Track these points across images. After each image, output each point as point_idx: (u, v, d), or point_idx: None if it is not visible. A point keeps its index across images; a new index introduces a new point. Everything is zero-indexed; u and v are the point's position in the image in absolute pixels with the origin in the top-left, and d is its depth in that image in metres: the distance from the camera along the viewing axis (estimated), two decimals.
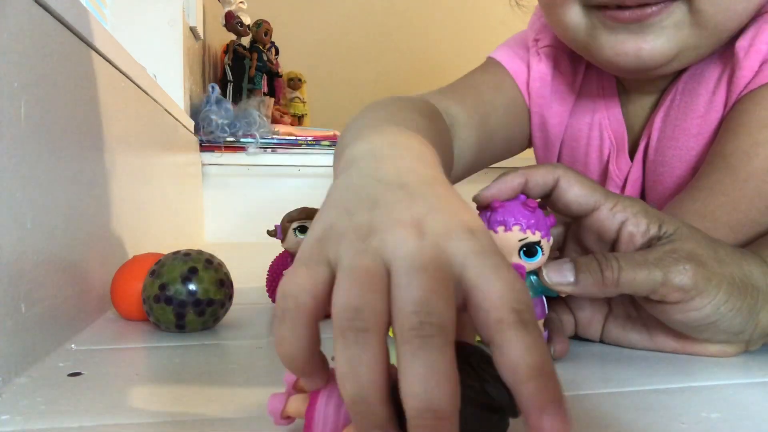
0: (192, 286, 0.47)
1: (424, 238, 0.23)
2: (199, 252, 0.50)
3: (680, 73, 0.55)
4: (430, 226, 0.24)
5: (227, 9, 1.72)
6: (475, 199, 0.38)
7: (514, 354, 0.20)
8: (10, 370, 0.36)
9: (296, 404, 0.25)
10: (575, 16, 0.50)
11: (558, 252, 0.43)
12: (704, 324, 0.37)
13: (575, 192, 0.38)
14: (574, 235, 0.41)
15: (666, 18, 0.47)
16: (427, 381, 0.20)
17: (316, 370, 0.24)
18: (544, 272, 0.37)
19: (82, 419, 0.30)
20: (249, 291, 0.66)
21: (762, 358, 0.40)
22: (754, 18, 0.50)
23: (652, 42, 0.48)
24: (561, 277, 0.36)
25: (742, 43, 0.50)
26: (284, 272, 0.26)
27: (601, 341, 0.44)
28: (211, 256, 0.50)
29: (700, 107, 0.53)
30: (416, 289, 0.21)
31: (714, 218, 0.45)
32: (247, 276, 0.68)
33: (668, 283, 0.35)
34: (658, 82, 0.57)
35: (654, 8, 0.46)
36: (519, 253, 0.37)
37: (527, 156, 0.72)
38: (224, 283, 0.49)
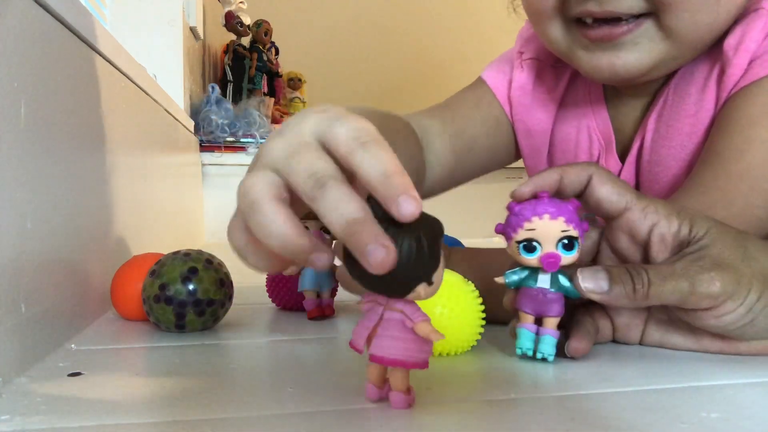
0: (192, 286, 0.47)
1: (282, 137, 0.29)
2: (199, 252, 0.50)
3: (671, 74, 0.56)
4: (286, 130, 0.29)
5: (227, 9, 1.72)
6: (512, 195, 0.39)
7: (365, 170, 0.26)
8: (10, 370, 0.36)
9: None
10: (556, 30, 0.53)
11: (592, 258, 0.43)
12: (741, 325, 0.37)
13: (607, 190, 0.39)
14: (608, 239, 0.41)
15: (639, 36, 0.49)
16: (336, 208, 0.25)
17: (311, 238, 0.27)
18: (579, 278, 0.37)
19: (82, 419, 0.30)
20: (249, 291, 0.66)
21: (762, 357, 0.40)
22: (743, 16, 0.51)
23: (625, 57, 0.50)
24: (596, 285, 0.37)
25: (730, 42, 0.50)
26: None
27: (641, 344, 0.43)
28: (211, 256, 0.50)
29: (691, 106, 0.54)
30: (299, 165, 0.27)
31: (711, 214, 0.45)
32: (247, 276, 0.68)
33: (696, 293, 0.36)
34: (649, 85, 0.58)
35: (624, 27, 0.49)
36: (557, 244, 0.37)
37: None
38: (224, 283, 0.49)
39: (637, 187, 0.60)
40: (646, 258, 0.39)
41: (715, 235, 0.37)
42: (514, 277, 0.40)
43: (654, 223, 0.38)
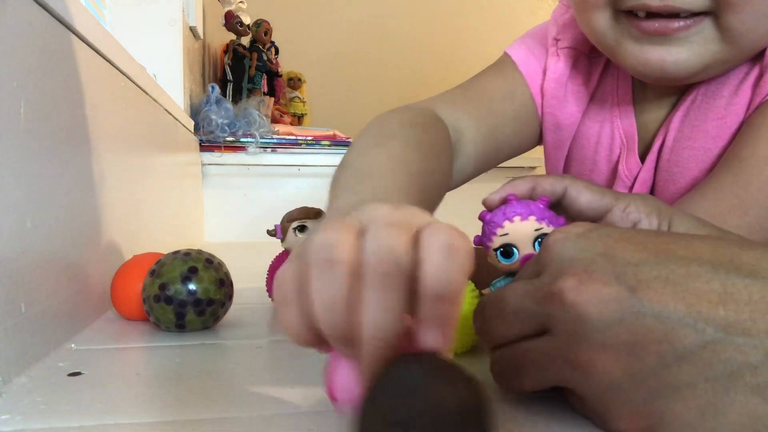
0: (192, 286, 0.47)
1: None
2: (199, 252, 0.50)
3: None
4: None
5: (227, 9, 1.72)
6: (484, 202, 0.39)
7: (426, 273, 0.23)
8: (10, 370, 0.36)
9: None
10: (605, 21, 0.51)
11: None
12: None
13: (586, 198, 0.39)
14: None
15: (694, 33, 0.47)
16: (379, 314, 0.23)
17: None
18: None
19: (82, 419, 0.30)
20: (249, 291, 0.66)
21: None
22: None
23: (677, 54, 0.48)
24: None
25: None
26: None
27: None
28: (211, 255, 0.50)
29: (720, 109, 0.53)
30: (376, 239, 0.24)
31: (722, 221, 0.45)
32: (247, 276, 0.68)
33: None
34: (680, 85, 0.56)
35: (681, 23, 0.46)
36: (534, 244, 0.37)
37: (536, 155, 0.72)
38: (224, 283, 0.49)
39: (654, 186, 0.58)
40: None
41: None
42: (501, 285, 0.39)
43: (635, 221, 0.38)
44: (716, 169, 0.50)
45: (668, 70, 0.49)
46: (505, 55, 0.65)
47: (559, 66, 0.62)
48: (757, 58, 0.50)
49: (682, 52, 0.48)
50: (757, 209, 0.45)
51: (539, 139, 0.67)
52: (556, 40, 0.63)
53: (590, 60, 0.62)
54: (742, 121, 0.51)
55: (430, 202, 0.48)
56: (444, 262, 0.23)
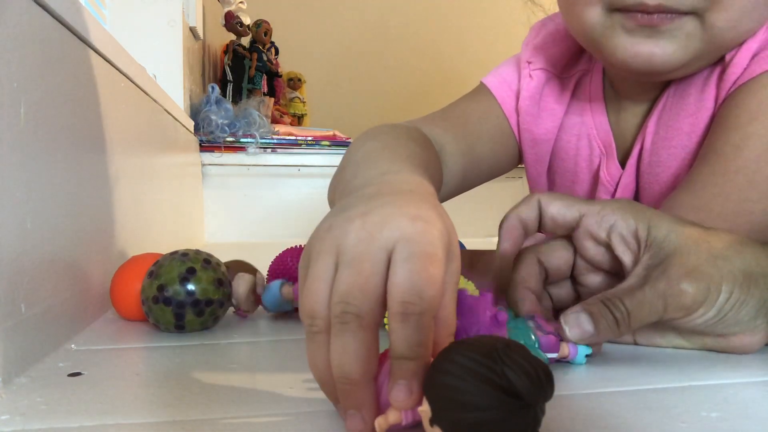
0: (190, 286, 0.47)
1: (362, 229, 0.28)
2: (197, 252, 0.50)
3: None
4: (371, 218, 0.28)
5: (227, 9, 1.72)
6: (500, 255, 0.41)
7: (393, 340, 0.26)
8: (10, 370, 0.36)
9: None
10: (595, 15, 0.51)
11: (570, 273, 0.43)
12: (711, 324, 0.37)
13: (556, 206, 0.41)
14: (578, 251, 0.42)
15: (677, 27, 0.48)
16: (341, 357, 0.26)
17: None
18: (566, 329, 0.36)
19: (82, 419, 0.30)
20: None
21: (762, 357, 0.40)
22: None
23: (664, 48, 0.49)
24: (581, 331, 0.36)
25: None
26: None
27: (636, 344, 0.43)
28: (209, 255, 0.50)
29: (691, 106, 0.54)
30: (341, 284, 0.27)
31: (708, 210, 0.46)
32: None
33: (669, 309, 0.36)
34: (650, 91, 0.58)
35: (665, 16, 0.47)
36: None
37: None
38: (223, 283, 0.49)
39: (637, 190, 0.60)
40: (615, 260, 0.40)
41: (675, 240, 0.37)
42: (512, 324, 0.37)
43: (611, 224, 0.39)
44: (695, 164, 0.51)
45: (656, 62, 0.50)
46: (481, 84, 0.70)
47: (531, 85, 0.65)
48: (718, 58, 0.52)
49: (669, 46, 0.49)
50: (738, 193, 0.47)
51: (519, 159, 0.70)
52: (528, 62, 0.66)
53: (561, 80, 0.65)
54: (713, 115, 0.53)
55: (432, 177, 0.49)
56: (403, 329, 0.25)
